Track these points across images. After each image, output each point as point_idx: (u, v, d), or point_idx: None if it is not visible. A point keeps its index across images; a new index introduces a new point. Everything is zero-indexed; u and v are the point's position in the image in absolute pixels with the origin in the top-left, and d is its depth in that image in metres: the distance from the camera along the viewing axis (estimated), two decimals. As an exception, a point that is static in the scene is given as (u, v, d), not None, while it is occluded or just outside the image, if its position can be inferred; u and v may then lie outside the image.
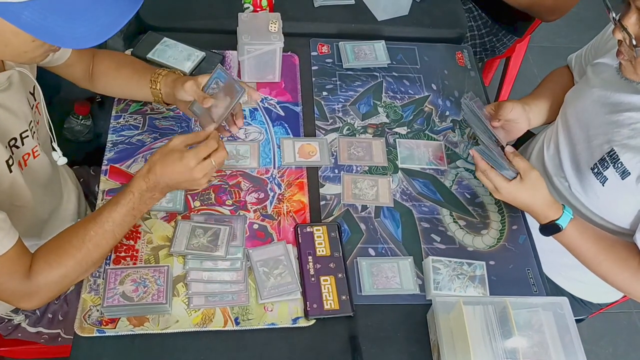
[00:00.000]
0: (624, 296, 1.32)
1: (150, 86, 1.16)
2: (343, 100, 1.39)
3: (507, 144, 1.15)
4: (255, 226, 1.14)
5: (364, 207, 1.20)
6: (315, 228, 1.14)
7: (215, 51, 1.40)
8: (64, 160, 1.06)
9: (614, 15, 1.01)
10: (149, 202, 1.00)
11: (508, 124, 1.21)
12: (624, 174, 1.09)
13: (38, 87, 1.03)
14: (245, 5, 1.47)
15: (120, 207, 0.97)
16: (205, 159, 0.98)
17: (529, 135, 1.45)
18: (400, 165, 1.28)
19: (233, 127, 1.12)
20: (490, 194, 1.15)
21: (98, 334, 0.98)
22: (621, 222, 1.16)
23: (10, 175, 0.95)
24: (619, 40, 1.03)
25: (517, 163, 1.07)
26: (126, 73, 1.20)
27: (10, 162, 0.95)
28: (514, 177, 1.07)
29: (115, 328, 0.99)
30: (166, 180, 0.98)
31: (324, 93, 1.39)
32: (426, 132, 1.35)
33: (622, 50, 1.05)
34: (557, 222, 1.07)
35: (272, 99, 1.36)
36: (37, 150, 1.04)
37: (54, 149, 1.05)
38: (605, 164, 1.12)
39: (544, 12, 1.80)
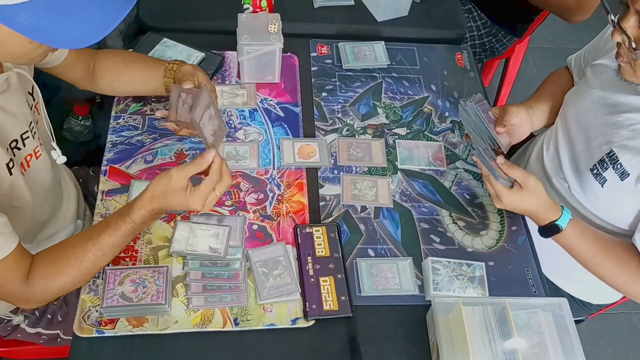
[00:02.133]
0: (624, 297, 1.32)
1: (165, 76, 1.15)
2: (342, 101, 1.39)
3: (505, 151, 1.15)
4: (255, 227, 1.14)
5: (364, 208, 1.20)
6: (314, 229, 1.14)
7: (215, 52, 1.40)
8: (63, 159, 1.06)
9: (612, 17, 1.01)
10: (150, 223, 1.02)
11: (511, 128, 1.21)
12: (623, 175, 1.09)
13: (36, 87, 1.02)
14: (245, 6, 1.47)
15: (122, 233, 0.96)
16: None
17: (528, 137, 1.45)
18: (399, 166, 1.28)
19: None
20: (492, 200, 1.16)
21: (97, 335, 0.98)
22: (620, 223, 1.16)
23: (11, 177, 0.95)
24: (618, 43, 1.03)
25: (512, 173, 1.06)
26: (135, 66, 1.19)
27: (11, 164, 0.94)
28: (511, 186, 1.07)
29: (114, 328, 0.99)
30: (169, 209, 0.99)
31: (324, 94, 1.39)
32: (425, 132, 1.35)
33: (621, 53, 1.04)
34: (556, 222, 1.07)
35: (271, 100, 1.36)
36: (38, 151, 1.04)
37: (53, 148, 1.05)
38: (605, 165, 1.12)
39: (567, 11, 1.74)
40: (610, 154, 1.11)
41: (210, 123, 1.00)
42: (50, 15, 0.72)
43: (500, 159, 1.07)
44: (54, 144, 1.05)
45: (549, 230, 1.09)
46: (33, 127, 1.02)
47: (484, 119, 1.11)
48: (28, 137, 1.00)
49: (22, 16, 0.71)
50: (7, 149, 0.94)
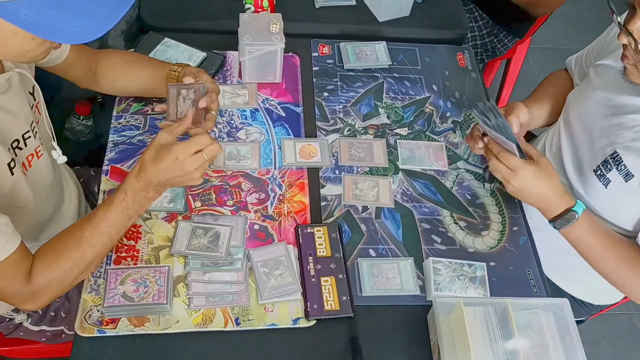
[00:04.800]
0: (625, 297, 1.32)
1: (168, 76, 1.15)
2: (344, 101, 1.39)
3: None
4: (256, 227, 1.14)
5: (365, 208, 1.20)
6: (315, 229, 1.14)
7: (217, 52, 1.40)
8: (64, 159, 1.06)
9: (619, 19, 1.00)
10: (143, 202, 0.99)
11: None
12: (627, 176, 1.09)
13: (37, 86, 1.03)
14: (247, 6, 1.47)
15: (114, 208, 0.96)
16: (197, 152, 0.97)
17: (529, 137, 1.45)
18: (401, 166, 1.28)
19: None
20: (501, 186, 1.14)
21: (98, 334, 0.98)
22: (624, 224, 1.16)
23: (12, 177, 0.95)
24: (624, 45, 1.03)
25: (528, 150, 1.06)
26: (139, 67, 1.20)
27: (12, 164, 0.94)
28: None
29: (115, 328, 0.99)
30: (159, 177, 0.96)
31: (325, 94, 1.39)
32: (427, 133, 1.35)
33: (627, 55, 1.04)
34: (573, 209, 1.05)
35: (273, 100, 1.36)
36: (40, 150, 1.04)
37: (54, 148, 1.05)
38: (608, 166, 1.12)
39: (531, 6, 1.84)
40: (614, 155, 1.10)
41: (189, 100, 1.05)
42: (52, 9, 0.72)
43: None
44: (55, 144, 1.05)
45: (564, 218, 1.06)
46: (34, 127, 1.02)
47: (502, 123, 1.10)
48: (29, 137, 1.00)
49: (25, 12, 0.71)
50: (9, 149, 0.94)
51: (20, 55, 0.84)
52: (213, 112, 1.10)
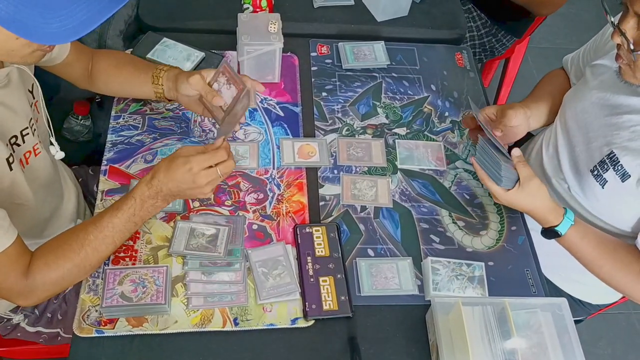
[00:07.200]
0: (623, 297, 1.33)
1: (152, 81, 1.14)
2: (342, 101, 1.39)
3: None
4: (255, 226, 1.14)
5: (363, 208, 1.20)
6: (314, 228, 1.14)
7: (215, 52, 1.40)
8: (61, 154, 1.06)
9: (612, 19, 1.01)
10: (150, 210, 0.99)
11: (508, 129, 1.21)
12: (624, 176, 1.09)
13: (37, 84, 1.02)
14: (245, 6, 1.47)
15: (121, 213, 0.96)
16: (211, 167, 0.97)
17: (527, 137, 1.45)
18: (399, 166, 1.28)
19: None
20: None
21: (97, 335, 0.98)
22: (621, 225, 1.16)
23: (11, 173, 0.95)
24: (617, 44, 1.03)
25: (519, 169, 1.07)
26: (128, 70, 1.19)
27: (11, 160, 0.94)
28: (510, 189, 1.07)
29: (114, 328, 0.99)
30: (169, 186, 0.96)
31: (324, 94, 1.39)
32: (425, 132, 1.35)
33: (621, 54, 1.04)
34: (555, 228, 1.08)
35: (271, 100, 1.36)
36: (38, 148, 1.04)
37: (51, 144, 1.05)
38: (605, 167, 1.12)
39: (535, 5, 1.83)
40: (611, 155, 1.11)
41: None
42: (29, 8, 0.72)
43: (515, 151, 1.09)
44: (53, 139, 1.05)
45: (550, 233, 1.09)
46: (33, 124, 1.02)
47: (484, 125, 1.10)
48: (28, 133, 1.00)
49: (1, 7, 0.71)
50: (7, 145, 0.94)
51: (7, 54, 0.84)
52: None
